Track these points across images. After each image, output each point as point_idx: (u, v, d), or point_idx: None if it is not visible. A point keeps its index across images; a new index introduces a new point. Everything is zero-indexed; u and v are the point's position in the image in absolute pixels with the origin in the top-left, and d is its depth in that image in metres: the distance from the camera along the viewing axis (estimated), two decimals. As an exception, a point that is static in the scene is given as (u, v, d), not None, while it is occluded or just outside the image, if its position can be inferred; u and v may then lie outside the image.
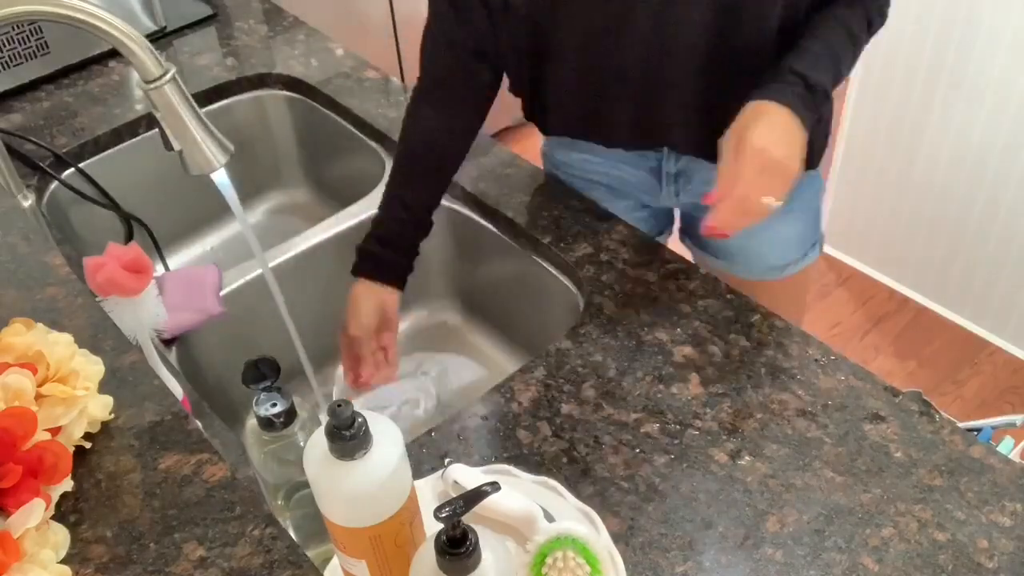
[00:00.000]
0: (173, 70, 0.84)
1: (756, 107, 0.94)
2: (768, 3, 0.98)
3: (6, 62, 1.43)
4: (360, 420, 0.61)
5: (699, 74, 1.03)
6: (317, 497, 0.64)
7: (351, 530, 0.64)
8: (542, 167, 1.29)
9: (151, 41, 1.20)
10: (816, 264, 1.30)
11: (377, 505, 0.63)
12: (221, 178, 0.91)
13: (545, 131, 1.22)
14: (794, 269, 1.25)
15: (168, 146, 0.89)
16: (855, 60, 1.02)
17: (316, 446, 0.62)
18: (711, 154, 0.97)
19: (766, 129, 0.92)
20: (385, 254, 1.13)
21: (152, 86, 0.84)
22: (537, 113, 1.18)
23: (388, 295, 1.14)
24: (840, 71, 0.99)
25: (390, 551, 0.66)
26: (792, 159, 0.92)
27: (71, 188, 1.22)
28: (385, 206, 1.15)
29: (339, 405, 0.59)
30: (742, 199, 0.91)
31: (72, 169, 1.29)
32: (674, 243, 1.28)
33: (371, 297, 1.13)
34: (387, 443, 0.62)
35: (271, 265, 1.20)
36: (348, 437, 0.60)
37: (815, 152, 1.15)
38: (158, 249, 1.27)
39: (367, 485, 0.62)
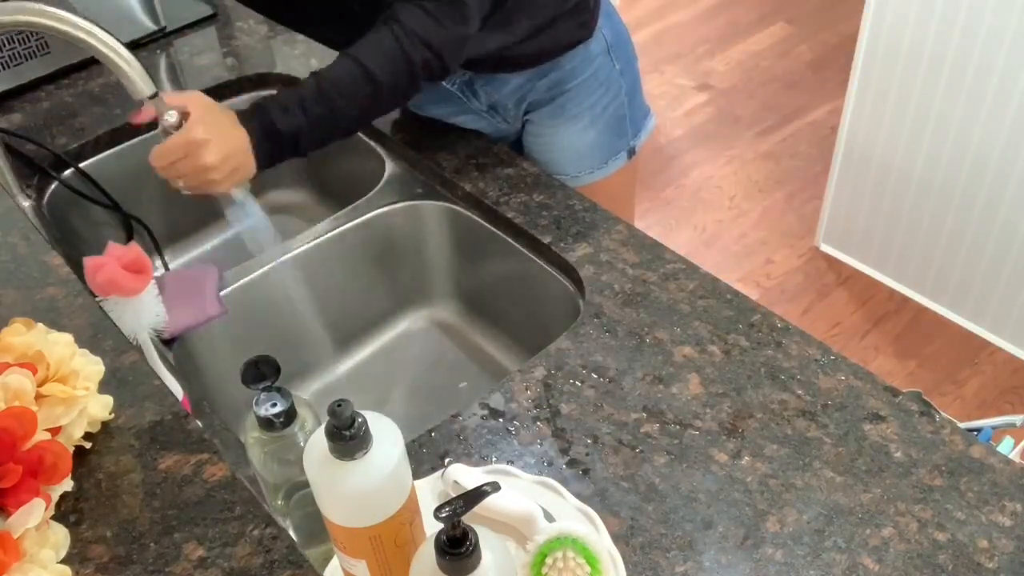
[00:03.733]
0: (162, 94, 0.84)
1: (228, 111, 1.00)
2: None
3: (6, 62, 1.43)
4: (360, 420, 0.61)
5: None
6: (317, 497, 0.64)
7: (351, 530, 0.64)
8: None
9: (151, 41, 1.20)
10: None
11: (377, 505, 0.63)
12: (240, 195, 0.92)
13: None
14: (592, 178, 1.32)
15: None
16: (376, 99, 1.04)
17: (316, 446, 0.62)
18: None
19: (218, 131, 0.98)
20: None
21: (150, 95, 0.84)
22: None
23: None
24: (333, 118, 1.03)
25: (390, 551, 0.66)
26: (219, 173, 0.99)
27: (71, 188, 1.22)
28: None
29: (339, 405, 0.59)
30: (154, 165, 1.00)
31: (72, 169, 1.29)
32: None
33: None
34: (387, 443, 0.62)
35: (271, 265, 1.20)
36: (348, 437, 0.60)
37: (579, 25, 1.21)
38: (158, 249, 1.27)
39: (367, 485, 0.62)
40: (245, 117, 1.01)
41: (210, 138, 0.97)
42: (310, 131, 1.02)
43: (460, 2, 1.01)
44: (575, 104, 1.27)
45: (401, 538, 0.65)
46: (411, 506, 0.66)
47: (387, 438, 0.63)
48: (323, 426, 0.61)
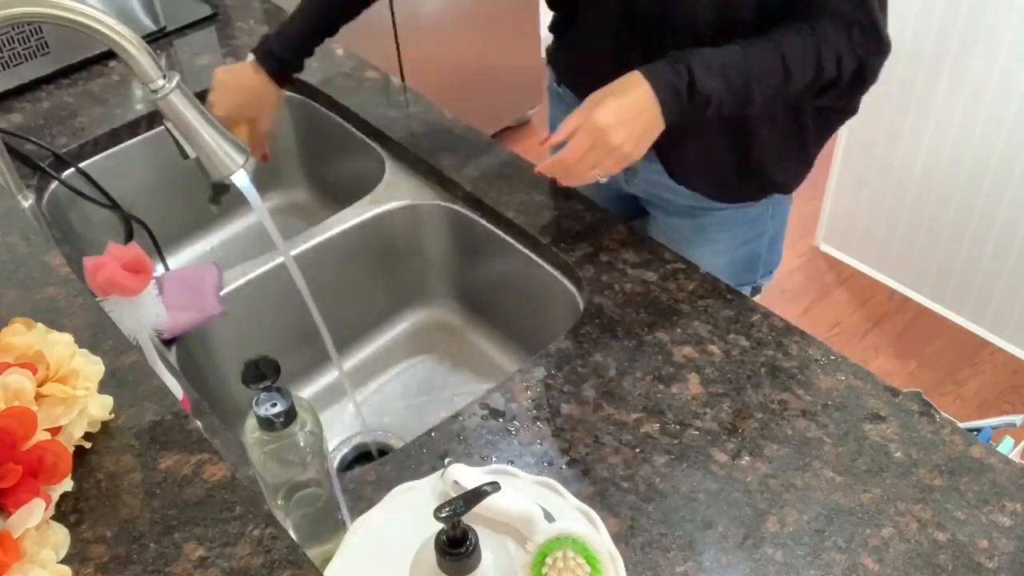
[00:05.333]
0: (177, 77, 0.84)
1: (629, 79, 0.94)
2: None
3: (6, 62, 1.43)
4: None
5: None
6: None
7: None
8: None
9: (151, 41, 1.20)
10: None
11: None
12: (242, 180, 0.91)
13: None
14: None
15: (184, 154, 0.89)
16: (782, 89, 0.98)
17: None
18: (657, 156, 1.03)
19: (614, 110, 0.93)
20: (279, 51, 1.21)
21: (159, 95, 0.84)
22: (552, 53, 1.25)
23: (267, 82, 1.22)
24: (742, 91, 0.96)
25: None
26: (630, 145, 0.94)
27: (71, 188, 1.22)
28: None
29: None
30: (564, 163, 0.98)
31: (72, 169, 1.29)
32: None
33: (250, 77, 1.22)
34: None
35: (271, 266, 1.20)
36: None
37: (782, 178, 1.18)
38: (158, 249, 1.27)
39: None
40: (655, 72, 0.94)
41: (607, 121, 0.93)
42: (721, 98, 0.96)
43: (879, 38, 0.98)
44: (718, 230, 1.23)
45: None
46: None
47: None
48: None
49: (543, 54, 1.53)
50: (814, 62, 0.96)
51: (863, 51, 0.98)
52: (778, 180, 1.19)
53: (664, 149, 1.11)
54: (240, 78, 1.22)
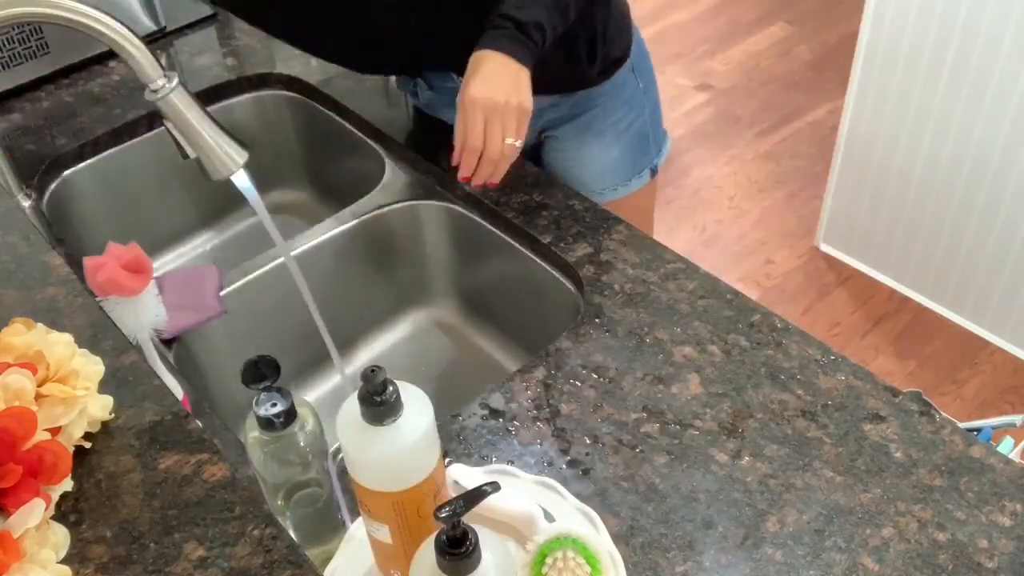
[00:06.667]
0: (178, 77, 0.84)
1: (473, 60, 1.00)
2: None
3: (6, 62, 1.43)
4: (392, 388, 0.62)
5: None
6: (346, 459, 0.66)
7: (376, 494, 0.65)
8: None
9: (151, 41, 1.20)
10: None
11: (402, 472, 0.65)
12: (242, 181, 0.91)
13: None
14: (616, 195, 1.32)
15: (184, 155, 0.89)
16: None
17: (348, 412, 0.64)
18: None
19: (480, 79, 0.99)
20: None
21: (159, 95, 0.84)
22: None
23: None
24: (564, 8, 1.03)
25: (412, 520, 0.67)
26: (516, 97, 0.99)
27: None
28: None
29: (372, 371, 0.61)
30: (475, 149, 1.01)
31: (72, 169, 1.29)
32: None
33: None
34: (417, 412, 0.64)
35: (271, 265, 1.20)
36: (379, 403, 0.62)
37: (610, 51, 1.21)
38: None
39: (393, 451, 0.63)
40: (486, 40, 1.01)
41: (481, 91, 0.98)
42: (550, 21, 1.02)
43: None
44: (600, 120, 1.27)
45: (424, 509, 0.67)
46: (436, 479, 0.67)
47: (417, 408, 0.64)
48: (356, 392, 0.63)
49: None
50: None
51: None
52: (612, 52, 1.23)
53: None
54: None
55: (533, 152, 1.36)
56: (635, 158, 1.33)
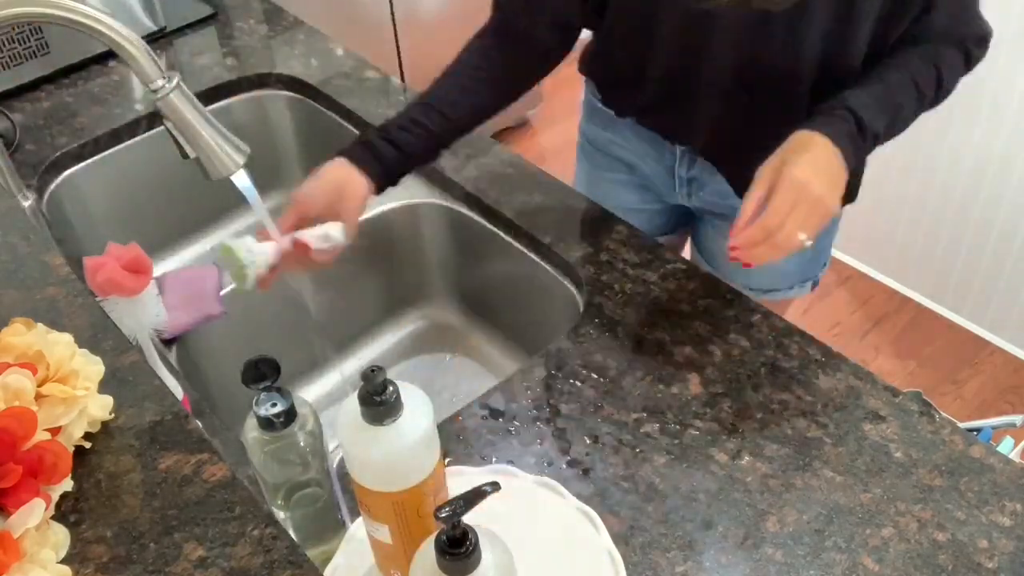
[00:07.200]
0: (177, 77, 0.84)
1: (802, 137, 0.90)
2: (799, 27, 0.95)
3: (6, 62, 1.43)
4: (392, 388, 0.62)
5: (731, 84, 1.03)
6: (346, 459, 0.66)
7: (376, 493, 0.65)
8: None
9: (151, 41, 1.20)
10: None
11: (402, 472, 0.65)
12: (243, 181, 0.91)
13: (590, 80, 1.24)
14: (774, 296, 1.26)
15: (184, 155, 0.89)
16: (916, 115, 0.98)
17: (348, 411, 0.64)
18: (722, 166, 1.01)
19: (809, 163, 0.88)
20: (378, 143, 1.02)
21: (159, 96, 0.84)
22: (588, 64, 1.20)
23: (356, 178, 1.01)
24: (896, 122, 0.96)
25: (412, 520, 0.67)
26: (831, 197, 0.88)
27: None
28: (403, 112, 1.06)
29: (372, 371, 0.61)
30: (770, 229, 0.87)
31: (72, 169, 1.29)
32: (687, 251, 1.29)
33: (337, 173, 1.02)
34: (417, 412, 0.64)
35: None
36: (379, 403, 0.62)
37: (850, 191, 1.14)
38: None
39: (393, 451, 0.63)
40: (825, 124, 0.92)
41: (806, 174, 0.88)
42: (886, 133, 0.96)
43: (986, 42, 1.02)
44: None
45: (424, 509, 0.67)
46: (436, 479, 0.67)
47: (417, 408, 0.64)
48: (356, 392, 0.63)
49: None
50: (934, 83, 0.97)
51: (975, 58, 1.02)
52: None
53: (727, 166, 1.12)
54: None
55: (680, 220, 1.30)
56: (804, 270, 1.25)
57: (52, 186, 1.33)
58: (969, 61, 1.01)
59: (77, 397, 0.74)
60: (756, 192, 0.89)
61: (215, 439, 0.81)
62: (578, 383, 0.96)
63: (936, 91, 0.98)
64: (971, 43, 1.00)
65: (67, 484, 0.71)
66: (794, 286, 1.26)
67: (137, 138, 1.41)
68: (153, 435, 0.78)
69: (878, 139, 0.94)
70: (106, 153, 1.40)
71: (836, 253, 2.47)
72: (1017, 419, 1.78)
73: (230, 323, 1.15)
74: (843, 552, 0.80)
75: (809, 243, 0.88)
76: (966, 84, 1.05)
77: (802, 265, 1.24)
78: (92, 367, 0.78)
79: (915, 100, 0.96)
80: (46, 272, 0.95)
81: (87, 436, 0.76)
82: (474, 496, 0.59)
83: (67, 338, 0.79)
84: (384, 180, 1.03)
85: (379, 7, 2.38)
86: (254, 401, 0.73)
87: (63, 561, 0.69)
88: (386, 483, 0.65)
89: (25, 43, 1.43)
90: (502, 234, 1.21)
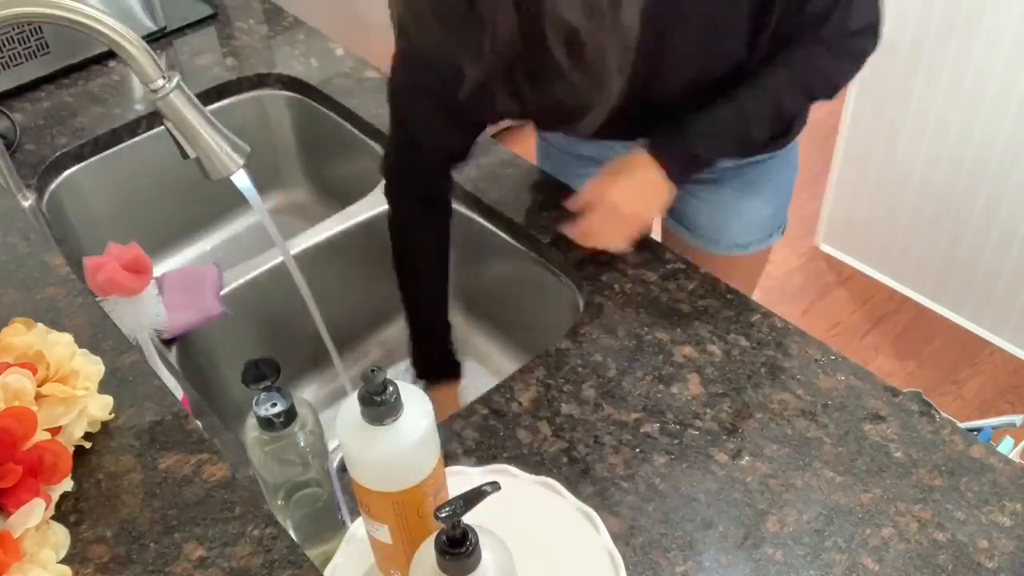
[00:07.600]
0: (178, 77, 0.84)
1: (630, 159, 1.01)
2: (737, 32, 0.97)
3: (6, 62, 1.43)
4: (392, 388, 0.62)
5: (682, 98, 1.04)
6: (346, 459, 0.66)
7: (376, 493, 0.66)
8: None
9: (151, 41, 1.20)
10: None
11: (402, 472, 0.65)
12: (243, 181, 0.91)
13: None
14: (756, 248, 1.29)
15: (184, 154, 0.89)
16: (783, 123, 1.10)
17: (348, 411, 0.64)
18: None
19: (624, 187, 1.01)
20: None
21: (159, 95, 0.84)
22: None
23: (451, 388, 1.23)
24: (747, 144, 1.08)
25: (412, 520, 0.67)
26: (643, 213, 1.03)
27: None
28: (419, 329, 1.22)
29: (372, 371, 0.61)
30: (587, 236, 1.05)
31: (72, 169, 1.29)
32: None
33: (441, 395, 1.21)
34: (417, 413, 0.64)
35: (271, 265, 1.20)
36: (379, 403, 0.62)
37: (789, 132, 1.20)
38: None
39: (393, 451, 0.63)
40: (660, 148, 1.01)
41: (622, 200, 1.01)
42: (723, 155, 1.08)
43: (872, 41, 1.00)
44: (767, 178, 1.23)
45: (424, 509, 0.67)
46: (436, 479, 0.67)
47: (417, 408, 0.64)
48: (356, 392, 0.63)
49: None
50: (805, 93, 1.03)
51: (855, 62, 1.02)
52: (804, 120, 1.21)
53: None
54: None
55: None
56: (777, 215, 1.29)
57: (52, 186, 1.33)
58: (856, 55, 1.02)
59: (77, 397, 0.74)
60: (579, 201, 1.05)
61: (215, 439, 0.81)
62: (578, 383, 0.96)
63: (809, 97, 1.04)
64: (850, 37, 1.00)
65: (67, 484, 0.72)
66: (771, 233, 1.29)
67: (137, 138, 1.41)
68: (153, 435, 0.78)
69: (712, 163, 1.07)
70: (106, 153, 1.40)
71: (836, 253, 2.47)
72: (1017, 419, 1.78)
73: (230, 323, 1.15)
74: (843, 552, 0.80)
75: (623, 247, 1.05)
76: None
77: (770, 212, 1.28)
78: (92, 367, 0.78)
79: (771, 118, 1.03)
80: (46, 272, 0.95)
81: (87, 436, 0.76)
82: (474, 496, 0.59)
83: (67, 338, 0.79)
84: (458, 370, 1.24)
85: (379, 7, 2.38)
86: (254, 401, 0.73)
87: (63, 561, 0.69)
88: (386, 483, 0.65)
89: (25, 43, 1.43)
90: (502, 234, 1.21)
